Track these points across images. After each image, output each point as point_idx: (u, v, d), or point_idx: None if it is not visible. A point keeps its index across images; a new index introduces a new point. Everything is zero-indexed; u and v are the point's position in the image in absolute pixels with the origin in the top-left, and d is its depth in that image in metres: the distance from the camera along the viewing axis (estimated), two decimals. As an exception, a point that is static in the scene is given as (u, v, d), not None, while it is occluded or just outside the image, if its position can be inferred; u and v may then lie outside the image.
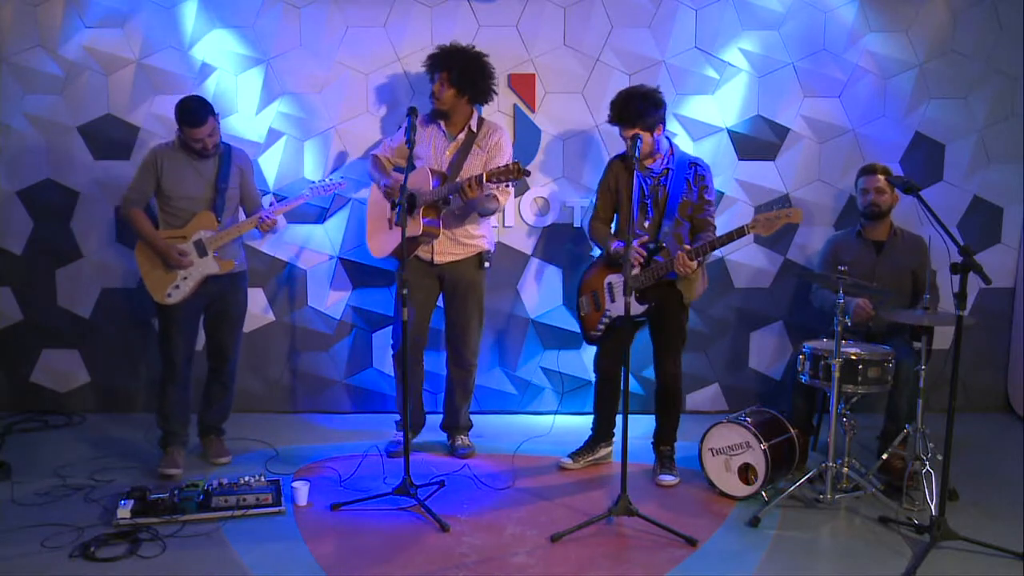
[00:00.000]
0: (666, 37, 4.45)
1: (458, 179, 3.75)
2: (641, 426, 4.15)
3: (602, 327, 3.83)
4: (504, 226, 4.58)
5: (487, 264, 4.04)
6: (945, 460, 3.07)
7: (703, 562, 3.01)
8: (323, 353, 4.69)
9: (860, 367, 3.42)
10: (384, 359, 4.62)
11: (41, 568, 2.92)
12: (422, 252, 3.90)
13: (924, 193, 3.25)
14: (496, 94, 4.03)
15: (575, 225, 4.58)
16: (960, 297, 2.98)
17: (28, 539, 3.10)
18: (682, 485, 3.71)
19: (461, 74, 3.82)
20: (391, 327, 4.28)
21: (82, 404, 4.68)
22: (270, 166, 4.51)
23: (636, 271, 3.64)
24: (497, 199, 3.84)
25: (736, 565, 3.00)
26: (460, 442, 4.09)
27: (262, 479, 3.48)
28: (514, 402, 4.74)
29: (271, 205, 4.02)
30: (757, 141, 4.54)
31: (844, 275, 3.38)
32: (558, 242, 4.60)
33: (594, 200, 3.96)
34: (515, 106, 4.48)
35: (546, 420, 4.54)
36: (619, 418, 3.94)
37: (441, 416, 4.26)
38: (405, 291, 3.40)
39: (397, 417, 4.25)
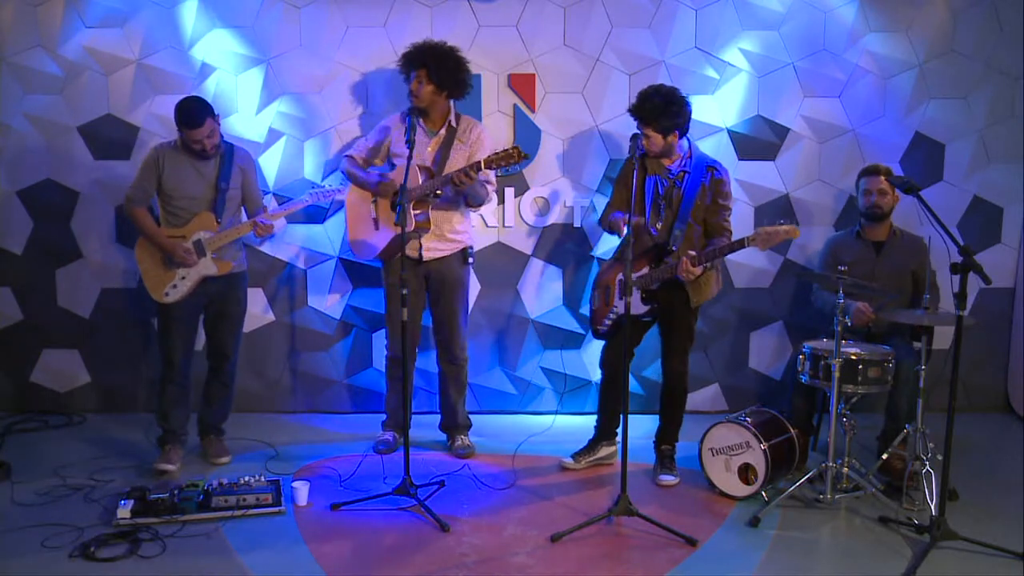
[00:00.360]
0: (666, 37, 4.45)
1: (445, 173, 3.79)
2: (642, 426, 4.16)
3: (608, 322, 3.83)
4: (504, 226, 4.58)
5: (471, 260, 4.06)
6: (945, 460, 3.07)
7: (703, 562, 3.01)
8: (323, 353, 4.69)
9: (860, 367, 3.42)
10: (384, 359, 4.61)
11: (41, 568, 2.92)
12: (410, 250, 3.90)
13: (924, 193, 3.25)
14: (471, 87, 4.02)
15: (575, 225, 4.58)
16: (960, 297, 2.98)
17: (28, 539, 3.11)
18: (682, 485, 3.71)
19: (438, 70, 3.83)
20: (385, 329, 4.25)
21: (82, 404, 4.68)
22: (270, 166, 4.51)
23: (645, 271, 3.65)
24: (487, 186, 3.89)
25: (736, 565, 3.00)
26: (460, 442, 4.09)
27: (262, 479, 3.48)
28: (514, 402, 4.74)
29: (272, 210, 4.01)
30: (757, 141, 4.54)
31: (844, 275, 3.38)
32: (558, 242, 4.60)
33: (605, 194, 3.98)
34: (515, 106, 4.48)
35: (546, 420, 4.54)
36: (611, 425, 3.95)
37: (439, 417, 4.26)
38: (405, 291, 3.40)
39: (383, 417, 4.24)
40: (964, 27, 4.49)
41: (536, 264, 4.63)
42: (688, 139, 3.77)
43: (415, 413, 4.25)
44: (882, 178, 3.91)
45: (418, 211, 3.80)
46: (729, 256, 4.56)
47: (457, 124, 3.94)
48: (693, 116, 4.43)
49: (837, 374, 3.39)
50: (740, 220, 3.98)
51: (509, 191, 4.54)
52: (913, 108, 4.54)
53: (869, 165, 4.05)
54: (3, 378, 4.66)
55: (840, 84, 4.51)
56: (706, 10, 4.44)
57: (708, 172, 3.67)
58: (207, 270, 3.76)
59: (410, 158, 3.57)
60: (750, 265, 4.64)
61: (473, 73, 4.40)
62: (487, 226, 4.57)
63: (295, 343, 4.68)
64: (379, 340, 4.64)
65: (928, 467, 3.35)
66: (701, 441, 3.65)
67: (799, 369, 3.61)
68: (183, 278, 3.74)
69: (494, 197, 4.19)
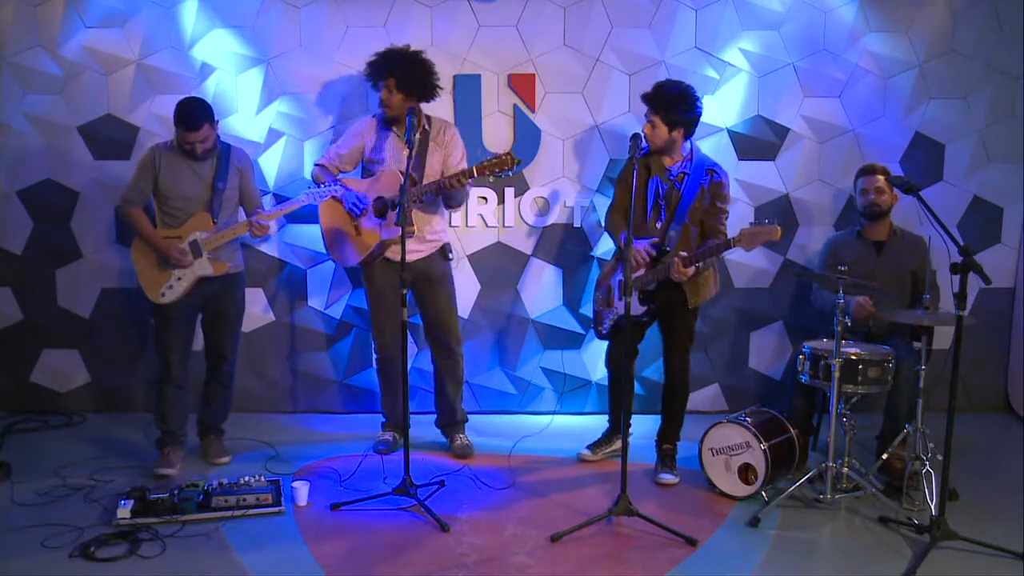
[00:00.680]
0: (666, 37, 4.45)
1: (424, 176, 3.80)
2: (642, 426, 4.16)
3: (609, 323, 3.89)
4: (504, 226, 4.59)
5: (451, 256, 4.07)
6: (945, 460, 3.07)
7: (703, 562, 3.01)
8: (323, 353, 4.69)
9: (860, 367, 3.42)
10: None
11: (41, 568, 2.92)
12: (391, 253, 3.90)
13: (924, 193, 3.25)
14: (441, 88, 4.01)
15: (575, 225, 4.58)
16: (960, 297, 2.98)
17: (28, 539, 3.11)
18: (682, 485, 3.71)
19: (406, 78, 3.83)
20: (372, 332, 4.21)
21: (82, 404, 4.68)
22: (270, 166, 4.51)
23: (641, 272, 3.67)
24: (468, 188, 3.94)
25: (736, 565, 3.00)
26: (459, 441, 4.09)
27: (262, 479, 3.48)
28: (514, 402, 4.73)
29: (268, 209, 3.99)
30: (757, 141, 4.54)
31: (844, 275, 3.38)
32: (558, 242, 4.60)
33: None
34: (515, 106, 4.48)
35: (546, 420, 4.54)
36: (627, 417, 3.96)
37: (436, 415, 4.24)
38: (405, 291, 3.40)
39: (383, 418, 4.25)
40: (964, 27, 4.49)
41: (536, 264, 4.63)
42: (691, 142, 3.78)
43: (414, 413, 4.24)
44: (880, 177, 3.92)
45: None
46: (729, 256, 4.60)
47: (430, 127, 3.93)
48: (693, 116, 4.47)
49: (837, 374, 3.39)
50: (741, 220, 3.97)
51: (509, 191, 4.54)
52: (913, 108, 4.54)
53: (866, 165, 4.05)
54: (3, 378, 4.66)
55: (840, 84, 4.51)
56: (706, 10, 4.44)
57: (708, 175, 3.69)
58: (203, 271, 3.74)
59: (410, 158, 3.56)
60: (750, 265, 4.64)
61: (473, 73, 4.43)
62: (487, 226, 4.57)
63: (295, 343, 4.68)
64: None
65: (928, 467, 3.35)
66: (701, 441, 3.65)
67: (799, 369, 3.61)
68: (179, 279, 3.73)
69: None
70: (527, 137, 4.49)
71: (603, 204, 4.40)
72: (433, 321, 4.06)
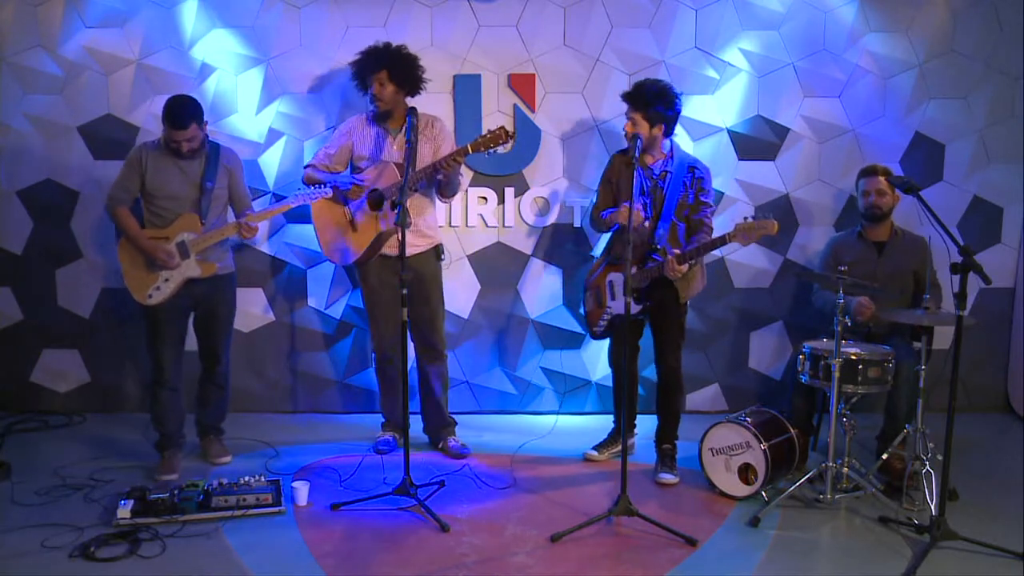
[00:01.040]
0: (666, 37, 4.45)
1: (417, 168, 3.78)
2: (642, 426, 4.16)
3: (603, 323, 3.91)
4: (504, 226, 4.59)
5: (444, 258, 4.07)
6: (945, 460, 3.07)
7: (703, 562, 3.01)
8: (323, 353, 4.69)
9: (860, 367, 3.42)
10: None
11: (41, 568, 2.92)
12: (388, 249, 3.90)
13: (924, 193, 3.25)
14: (428, 81, 4.01)
15: (575, 225, 4.58)
16: (960, 297, 2.98)
17: (28, 539, 3.10)
18: (682, 485, 3.71)
19: (399, 70, 3.85)
20: (370, 332, 4.21)
21: (82, 404, 4.68)
22: (270, 166, 4.51)
23: (633, 271, 3.67)
24: (461, 175, 3.95)
25: (736, 565, 3.00)
26: (453, 441, 4.08)
27: (262, 479, 3.48)
28: (514, 402, 4.73)
29: (258, 210, 3.93)
30: (757, 141, 4.54)
31: (844, 275, 3.38)
32: (558, 242, 4.60)
33: (595, 194, 4.01)
34: (515, 106, 4.48)
35: (546, 420, 4.55)
36: (624, 418, 3.96)
37: (423, 420, 4.21)
38: (405, 291, 3.40)
39: (382, 419, 4.25)
40: (964, 27, 4.49)
41: (536, 264, 4.63)
42: (671, 140, 3.80)
43: (414, 413, 4.24)
44: (881, 178, 3.91)
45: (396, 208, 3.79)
46: (730, 257, 4.60)
47: (417, 120, 3.93)
48: (693, 116, 4.49)
49: (837, 374, 3.39)
50: (740, 220, 3.98)
51: (509, 191, 4.54)
52: (913, 108, 4.54)
53: (867, 166, 4.05)
54: (3, 378, 4.66)
55: (840, 84, 4.51)
56: (706, 10, 4.44)
57: (690, 171, 3.74)
58: (191, 272, 3.69)
59: (412, 157, 3.56)
60: (750, 265, 4.64)
61: (473, 73, 4.43)
62: (487, 226, 4.57)
63: (295, 343, 4.68)
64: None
65: (928, 467, 3.35)
66: (701, 441, 3.65)
67: (799, 369, 3.61)
68: (166, 280, 3.67)
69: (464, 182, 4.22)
70: (527, 137, 4.49)
71: (603, 204, 4.41)
72: (421, 321, 4.03)
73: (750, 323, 4.71)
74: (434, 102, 4.33)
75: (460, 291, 4.56)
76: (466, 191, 4.48)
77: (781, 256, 4.64)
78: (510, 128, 4.07)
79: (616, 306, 3.83)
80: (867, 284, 3.54)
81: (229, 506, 3.31)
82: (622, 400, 3.93)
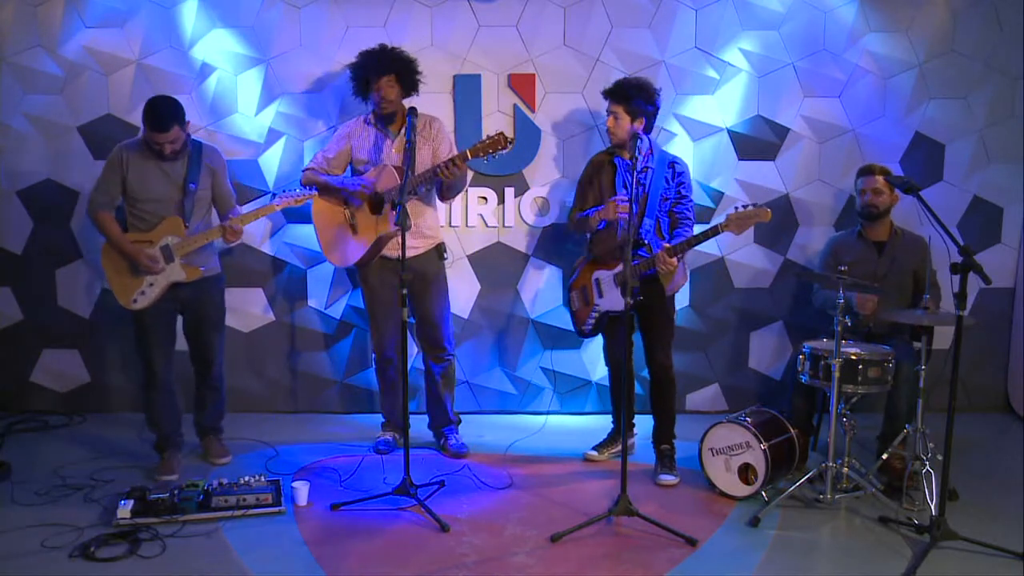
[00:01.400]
0: (666, 37, 4.45)
1: (415, 170, 3.78)
2: (641, 426, 4.16)
3: (592, 321, 3.91)
4: (504, 226, 4.59)
5: (446, 256, 4.08)
6: (945, 460, 3.07)
7: (703, 562, 3.01)
8: (323, 353, 4.69)
9: (860, 367, 3.42)
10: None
11: (41, 568, 2.92)
12: (388, 251, 3.90)
13: (924, 193, 3.25)
14: (423, 83, 4.04)
15: (575, 225, 4.58)
16: (960, 297, 2.98)
17: (28, 539, 3.10)
18: (682, 485, 3.71)
19: (406, 72, 3.89)
20: (371, 333, 4.21)
21: (82, 404, 4.68)
22: (270, 166, 4.51)
23: (620, 268, 3.70)
24: (465, 176, 3.96)
25: (736, 565, 3.00)
26: (455, 440, 4.09)
27: (262, 479, 3.48)
28: (514, 402, 4.74)
29: (240, 212, 3.85)
30: (757, 141, 4.54)
31: (844, 275, 3.38)
32: (558, 242, 4.60)
33: (572, 199, 4.05)
34: (515, 106, 4.48)
35: (546, 420, 4.54)
36: (626, 417, 3.96)
37: (428, 417, 4.23)
38: (404, 291, 3.40)
39: (382, 419, 4.26)
40: (964, 27, 4.48)
41: (536, 264, 4.63)
42: (649, 137, 3.83)
43: (414, 413, 4.25)
44: (878, 177, 3.92)
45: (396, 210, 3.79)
46: (730, 257, 4.60)
47: (417, 120, 3.92)
48: (693, 116, 4.49)
49: (837, 374, 3.39)
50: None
51: (509, 191, 4.55)
52: (913, 108, 4.54)
53: (865, 165, 4.05)
54: (3, 378, 4.66)
55: (840, 84, 4.51)
56: (706, 10, 4.44)
57: (670, 167, 3.79)
58: (175, 276, 3.65)
59: (412, 158, 3.56)
60: (750, 265, 4.64)
61: (473, 73, 4.44)
62: (487, 226, 4.57)
63: (295, 343, 4.68)
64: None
65: (928, 467, 3.35)
66: (701, 441, 3.65)
67: (799, 369, 3.61)
68: (151, 284, 3.63)
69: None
70: (527, 137, 4.49)
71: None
72: (426, 321, 4.04)
73: (750, 323, 4.71)
74: (434, 102, 4.33)
75: (460, 291, 4.56)
76: (466, 191, 4.48)
77: (781, 256, 4.64)
78: (509, 133, 4.08)
79: (604, 303, 3.83)
80: (867, 284, 3.54)
81: (229, 506, 3.31)
82: (619, 398, 3.93)
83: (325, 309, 4.65)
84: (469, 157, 3.66)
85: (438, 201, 4.06)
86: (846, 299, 3.37)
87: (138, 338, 3.75)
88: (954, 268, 2.98)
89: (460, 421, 4.22)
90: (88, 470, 3.78)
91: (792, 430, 3.59)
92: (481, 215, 4.55)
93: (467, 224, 4.57)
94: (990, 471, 3.92)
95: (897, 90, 4.52)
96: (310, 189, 3.87)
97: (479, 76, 4.44)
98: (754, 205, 3.49)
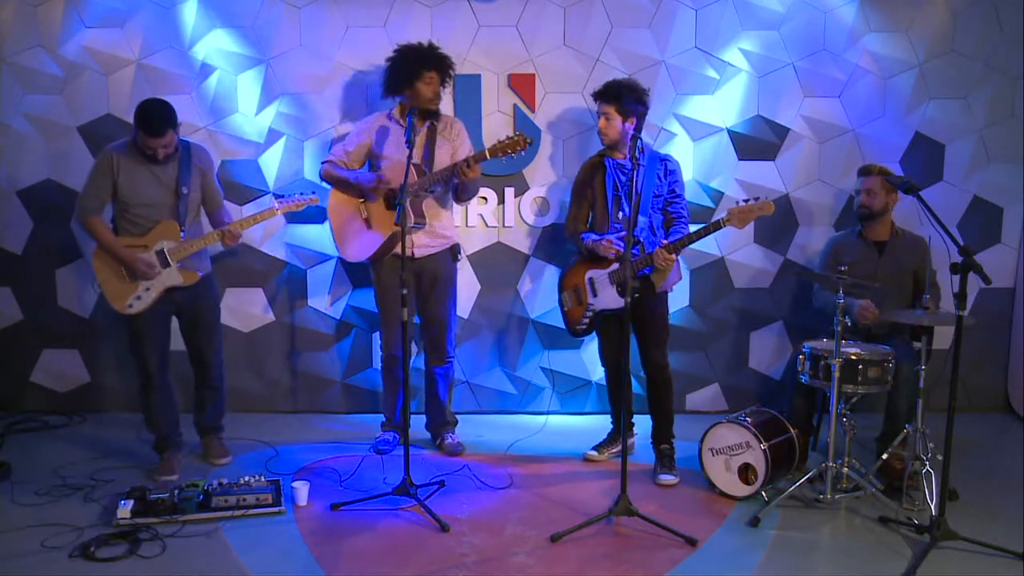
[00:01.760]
0: (666, 37, 4.45)
1: (434, 169, 3.83)
2: (641, 426, 4.16)
3: (586, 321, 3.91)
4: (504, 226, 4.59)
5: (460, 257, 4.10)
6: (945, 460, 3.07)
7: (703, 562, 3.01)
8: (323, 353, 4.69)
9: (860, 367, 3.42)
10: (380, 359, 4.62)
11: (41, 568, 2.92)
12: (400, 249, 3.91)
13: (924, 193, 3.25)
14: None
15: (575, 225, 4.58)
16: (960, 297, 2.98)
17: (28, 539, 3.11)
18: (682, 485, 3.71)
19: (447, 69, 3.94)
20: (380, 330, 4.21)
21: (82, 404, 4.68)
22: (270, 166, 4.51)
23: (615, 267, 3.70)
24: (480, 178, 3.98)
25: (736, 565, 3.00)
26: (451, 440, 4.10)
27: (262, 479, 3.48)
28: (514, 402, 4.74)
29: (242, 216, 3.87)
30: (757, 141, 4.54)
31: (844, 275, 3.38)
32: (558, 242, 4.60)
33: (568, 204, 4.04)
34: (515, 106, 4.48)
35: (546, 420, 4.54)
36: (628, 417, 3.97)
37: (426, 417, 4.25)
38: (405, 291, 3.40)
39: (383, 418, 4.25)
40: (964, 27, 4.48)
41: (536, 264, 4.63)
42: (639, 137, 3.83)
43: (414, 413, 4.24)
44: (874, 178, 3.91)
45: (412, 206, 3.80)
46: (730, 256, 4.60)
47: (438, 121, 3.96)
48: (693, 116, 4.50)
49: (837, 374, 3.39)
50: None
51: (509, 191, 4.55)
52: (913, 108, 4.54)
53: (864, 165, 4.05)
54: (3, 378, 4.66)
55: (840, 84, 4.51)
56: (706, 10, 4.44)
57: (661, 163, 3.81)
58: (172, 281, 3.62)
59: (410, 157, 3.57)
60: (750, 265, 4.64)
61: (473, 73, 4.44)
62: (487, 226, 4.57)
63: (295, 343, 4.68)
64: (379, 340, 4.63)
65: (928, 467, 3.35)
66: (701, 441, 3.65)
67: (799, 369, 3.61)
68: (147, 289, 3.59)
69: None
70: (527, 137, 4.49)
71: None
72: (433, 321, 4.05)
73: (750, 323, 4.71)
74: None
75: (460, 291, 4.54)
76: (466, 191, 4.49)
77: (781, 256, 4.64)
78: (509, 133, 4.08)
79: (599, 302, 3.83)
80: (867, 284, 3.54)
81: (229, 506, 3.31)
82: (618, 398, 3.93)
83: (325, 309, 4.64)
84: (488, 157, 3.68)
85: (454, 203, 4.07)
86: (846, 302, 3.37)
87: (132, 340, 3.73)
88: (954, 268, 2.98)
89: (457, 422, 4.23)
90: (88, 470, 3.78)
91: (792, 430, 3.59)
92: (481, 215, 4.55)
93: (467, 224, 4.57)
94: (990, 471, 3.93)
95: (897, 90, 4.52)
96: (311, 194, 3.90)
97: (479, 76, 4.44)
98: (756, 199, 3.49)
